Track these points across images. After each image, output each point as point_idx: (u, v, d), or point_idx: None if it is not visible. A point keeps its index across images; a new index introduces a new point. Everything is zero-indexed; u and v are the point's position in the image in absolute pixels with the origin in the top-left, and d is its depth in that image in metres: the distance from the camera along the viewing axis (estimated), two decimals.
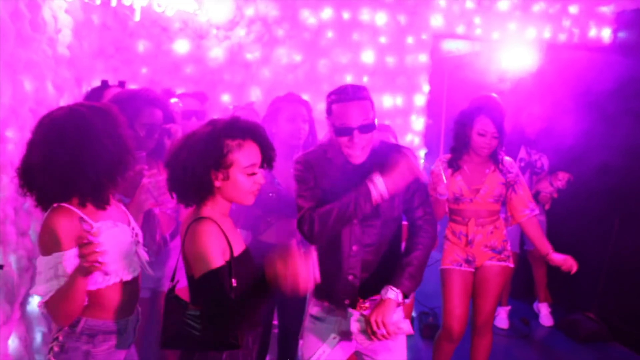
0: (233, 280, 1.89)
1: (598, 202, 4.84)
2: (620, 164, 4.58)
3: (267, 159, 2.02)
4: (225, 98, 4.16)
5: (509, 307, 4.94)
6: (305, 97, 4.28)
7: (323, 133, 3.66)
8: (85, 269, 1.71)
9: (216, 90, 4.14)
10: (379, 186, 2.21)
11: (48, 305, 1.80)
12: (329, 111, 2.33)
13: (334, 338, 2.45)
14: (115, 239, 1.89)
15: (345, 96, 2.28)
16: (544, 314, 4.96)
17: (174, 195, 2.00)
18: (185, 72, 4.09)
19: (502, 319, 4.85)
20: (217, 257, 1.83)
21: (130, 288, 1.99)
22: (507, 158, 3.33)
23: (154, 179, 2.10)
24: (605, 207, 4.78)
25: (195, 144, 1.90)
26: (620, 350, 4.55)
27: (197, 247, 1.84)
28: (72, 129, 1.81)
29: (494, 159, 3.27)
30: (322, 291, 2.45)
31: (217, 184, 1.91)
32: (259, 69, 4.20)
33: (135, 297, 2.04)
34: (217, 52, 4.09)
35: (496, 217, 3.33)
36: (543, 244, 3.32)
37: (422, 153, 4.58)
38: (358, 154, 2.30)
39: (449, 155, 3.39)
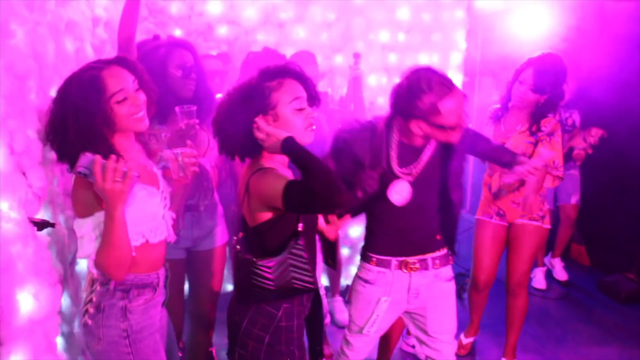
0: (300, 224, 1.92)
1: (636, 160, 4.72)
2: None
3: (312, 95, 2.01)
4: None
5: (545, 268, 4.90)
6: (339, 56, 4.23)
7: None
8: (112, 193, 1.71)
9: (250, 51, 4.08)
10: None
11: (97, 262, 1.81)
12: (434, 112, 2.18)
13: (385, 301, 2.45)
14: (141, 202, 1.88)
15: (448, 90, 2.19)
16: (558, 268, 4.95)
17: (225, 154, 2.00)
18: (218, 33, 4.04)
19: (539, 279, 4.83)
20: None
21: (157, 249, 1.99)
22: (548, 119, 3.18)
23: (183, 152, 2.04)
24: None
25: (238, 97, 1.92)
26: None
27: (266, 185, 1.86)
28: (69, 89, 1.79)
29: (534, 118, 3.19)
30: (375, 251, 2.47)
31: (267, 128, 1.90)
32: (292, 28, 4.13)
33: (162, 256, 2.05)
34: (250, 12, 4.02)
35: None
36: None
37: None
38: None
39: (497, 107, 3.35)
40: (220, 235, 2.83)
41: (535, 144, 3.17)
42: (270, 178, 1.86)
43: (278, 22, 4.12)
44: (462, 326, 3.87)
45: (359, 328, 2.54)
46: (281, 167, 1.96)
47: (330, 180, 1.75)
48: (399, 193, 2.35)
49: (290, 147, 1.83)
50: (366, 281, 2.49)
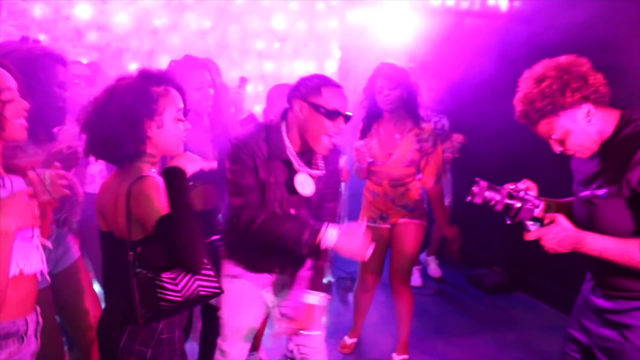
0: None
1: (497, 161, 5.12)
2: (512, 127, 4.85)
3: (185, 109, 1.99)
4: (133, 66, 3.98)
5: (420, 266, 5.16)
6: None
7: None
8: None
9: (123, 58, 3.96)
10: (330, 238, 2.22)
11: None
12: (314, 91, 2.26)
13: (266, 291, 2.54)
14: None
15: (335, 83, 2.32)
16: (433, 266, 5.27)
17: (96, 157, 1.91)
18: (88, 39, 3.87)
19: (415, 277, 5.05)
20: (164, 206, 1.79)
21: (28, 284, 1.73)
22: (427, 125, 3.41)
23: (51, 173, 1.93)
24: (503, 166, 5.07)
25: (122, 97, 1.82)
26: (522, 296, 4.92)
27: (147, 203, 1.78)
28: None
29: (412, 117, 3.38)
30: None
31: (150, 133, 1.85)
32: (167, 35, 4.06)
33: (33, 294, 1.78)
34: (122, 18, 3.90)
35: (410, 180, 3.45)
36: (440, 215, 3.59)
37: None
38: (332, 143, 2.33)
39: (360, 125, 3.49)
40: (74, 245, 2.64)
41: (421, 153, 3.37)
42: (151, 200, 1.79)
43: (152, 29, 4.03)
44: (346, 327, 3.99)
45: (233, 330, 2.52)
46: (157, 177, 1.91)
47: (192, 241, 1.76)
48: (303, 184, 2.36)
49: (172, 177, 1.82)
50: (234, 276, 2.49)
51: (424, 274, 5.21)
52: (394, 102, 3.33)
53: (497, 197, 1.97)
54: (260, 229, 2.24)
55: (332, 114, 2.25)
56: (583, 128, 1.91)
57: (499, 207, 1.99)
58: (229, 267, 2.51)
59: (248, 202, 2.28)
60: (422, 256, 5.29)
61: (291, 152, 2.33)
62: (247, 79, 3.59)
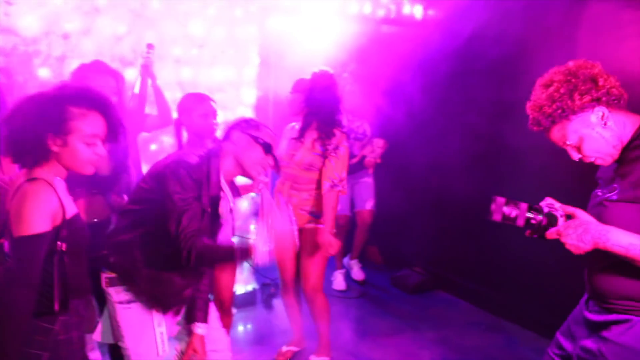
0: (62, 243, 1.85)
1: (417, 167, 5.28)
2: (433, 130, 5.03)
3: (113, 134, 1.98)
4: (44, 72, 3.81)
5: (344, 270, 5.22)
6: (131, 70, 4.09)
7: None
8: None
9: (32, 64, 3.77)
10: (261, 254, 2.26)
11: None
12: (253, 127, 2.45)
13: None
14: None
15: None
16: (356, 269, 5.34)
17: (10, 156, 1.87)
18: None
19: (339, 282, 5.11)
20: (40, 223, 1.77)
21: None
22: (337, 130, 3.43)
23: None
24: (425, 171, 5.24)
25: (36, 105, 1.83)
26: (444, 295, 5.08)
27: (22, 207, 1.77)
28: None
29: (318, 121, 3.41)
30: None
31: (55, 149, 1.85)
32: (79, 40, 3.90)
33: None
34: (29, 21, 3.71)
35: (314, 185, 3.46)
36: (329, 220, 3.39)
37: None
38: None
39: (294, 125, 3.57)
40: None
41: (322, 157, 3.40)
42: (26, 212, 1.77)
43: (63, 33, 3.86)
44: (275, 333, 3.98)
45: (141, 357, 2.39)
46: (56, 180, 1.89)
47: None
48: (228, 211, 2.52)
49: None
50: (128, 301, 2.38)
51: (348, 277, 5.26)
52: (294, 107, 3.48)
53: (516, 211, 1.89)
54: (198, 258, 2.23)
55: (267, 148, 2.42)
56: (599, 132, 1.84)
57: (520, 222, 1.89)
58: (120, 294, 2.36)
59: (186, 231, 2.21)
60: (345, 260, 5.35)
61: (223, 181, 2.40)
62: (153, 45, 3.66)
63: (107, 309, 2.44)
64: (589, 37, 3.77)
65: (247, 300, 4.60)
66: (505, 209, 1.89)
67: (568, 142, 1.89)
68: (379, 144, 4.76)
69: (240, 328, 4.28)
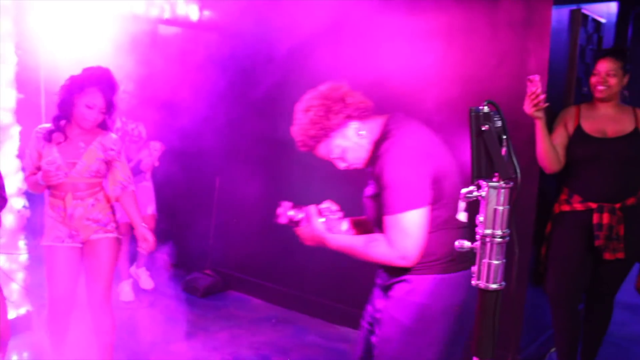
0: None
1: (200, 168, 5.25)
2: (217, 132, 5.03)
3: None
4: None
5: (131, 280, 4.99)
6: None
7: None
8: None
9: None
10: None
11: None
12: None
13: None
14: None
15: None
16: (144, 278, 5.19)
17: None
18: None
19: (126, 292, 4.87)
20: None
21: None
22: (113, 135, 3.31)
23: None
24: (205, 169, 5.22)
25: None
26: (235, 294, 5.13)
27: None
28: None
29: (99, 124, 3.22)
30: None
31: None
32: None
33: None
34: None
35: (98, 190, 3.27)
36: (134, 218, 3.35)
37: (16, 131, 4.12)
38: None
39: (48, 126, 3.20)
40: None
41: (106, 162, 3.22)
42: None
43: None
44: None
45: None
46: None
47: None
48: None
49: None
50: None
51: (136, 286, 5.03)
52: (98, 124, 3.22)
53: (301, 214, 2.25)
54: None
55: None
56: (356, 142, 2.13)
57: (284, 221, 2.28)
58: None
59: None
60: (132, 269, 5.11)
61: None
62: None
63: None
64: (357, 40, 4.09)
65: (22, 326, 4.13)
66: (291, 213, 2.27)
67: (332, 156, 2.18)
68: (155, 147, 4.61)
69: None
